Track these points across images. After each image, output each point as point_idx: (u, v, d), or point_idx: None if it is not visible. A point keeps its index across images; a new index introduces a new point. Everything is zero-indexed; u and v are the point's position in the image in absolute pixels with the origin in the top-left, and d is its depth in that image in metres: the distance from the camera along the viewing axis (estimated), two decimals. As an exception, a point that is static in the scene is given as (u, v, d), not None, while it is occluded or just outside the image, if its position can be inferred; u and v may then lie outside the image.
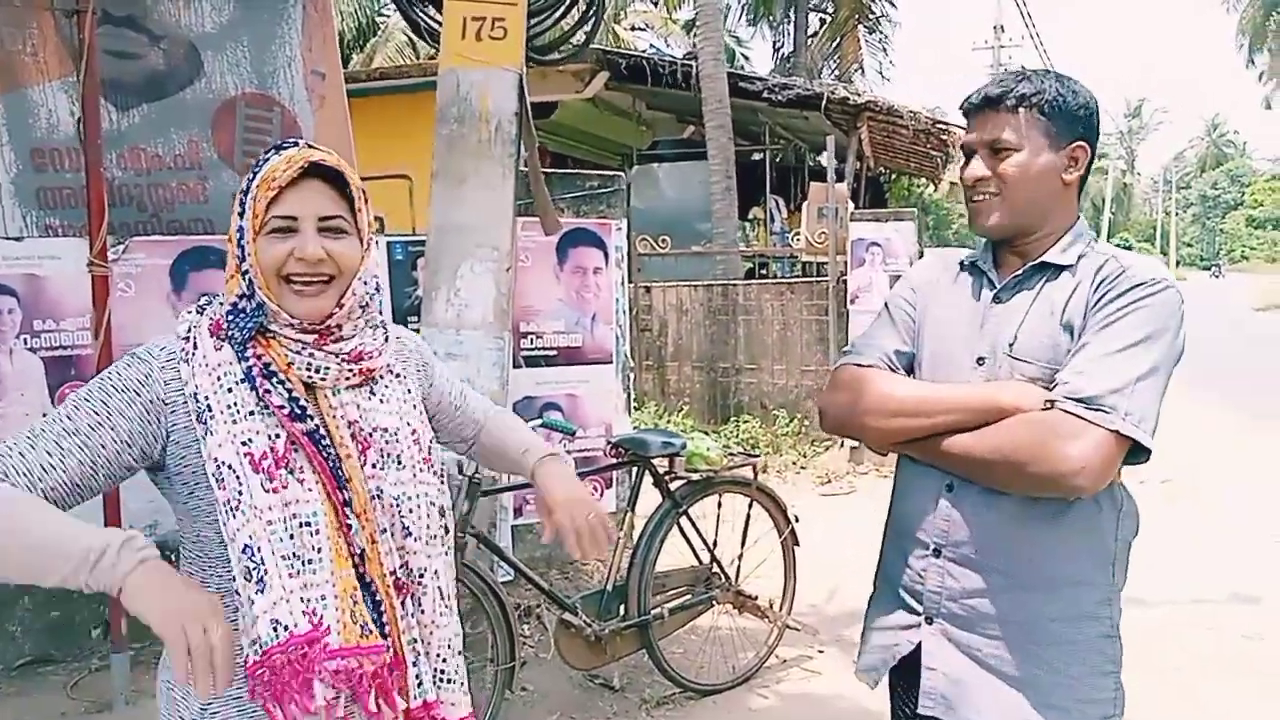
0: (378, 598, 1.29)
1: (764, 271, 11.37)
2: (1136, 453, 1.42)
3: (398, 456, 1.35)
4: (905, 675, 1.66)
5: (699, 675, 3.74)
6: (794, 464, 7.79)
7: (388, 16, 20.26)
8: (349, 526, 1.28)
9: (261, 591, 1.18)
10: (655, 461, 3.51)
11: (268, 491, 1.21)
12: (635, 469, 3.50)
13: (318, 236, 1.28)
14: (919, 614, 1.60)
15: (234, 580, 1.20)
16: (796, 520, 3.91)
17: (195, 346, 1.27)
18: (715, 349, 8.58)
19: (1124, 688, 1.55)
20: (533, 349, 4.25)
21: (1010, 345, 1.53)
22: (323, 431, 1.28)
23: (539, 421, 3.27)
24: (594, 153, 12.84)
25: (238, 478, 1.21)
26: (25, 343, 3.32)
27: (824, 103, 9.62)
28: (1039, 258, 1.58)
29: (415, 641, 1.32)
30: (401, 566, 1.33)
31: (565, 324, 4.30)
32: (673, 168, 11.48)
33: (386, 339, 1.42)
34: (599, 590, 3.46)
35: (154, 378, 1.25)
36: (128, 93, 3.76)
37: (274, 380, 1.27)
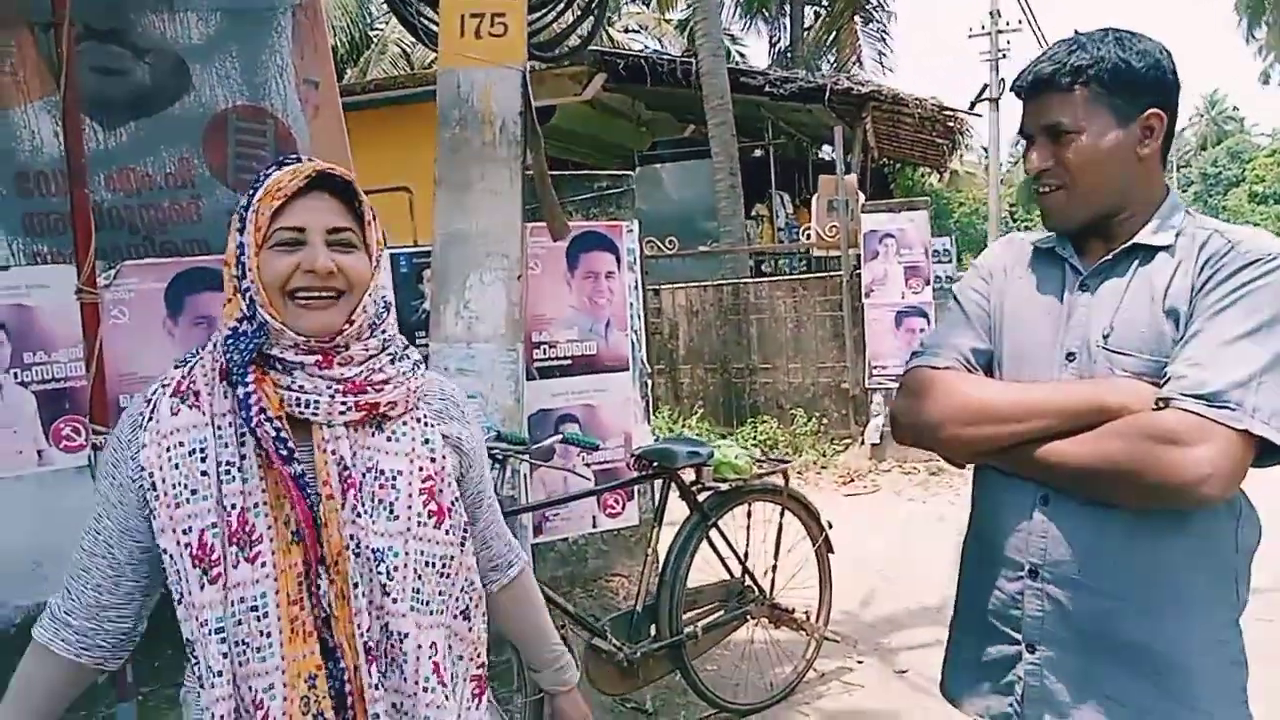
0: (342, 665, 1.16)
1: (765, 269, 11.19)
2: (1269, 454, 1.23)
3: (390, 504, 1.20)
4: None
5: (735, 695, 3.57)
6: (814, 464, 7.61)
7: (381, 29, 20.14)
8: (317, 586, 1.16)
9: (206, 687, 1.13)
10: (682, 472, 3.33)
11: (204, 587, 1.13)
12: (661, 481, 3.33)
13: (327, 249, 1.18)
14: (1018, 642, 1.42)
15: None
16: (830, 526, 3.74)
17: (154, 410, 1.19)
18: (728, 350, 8.40)
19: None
20: (546, 359, 4.07)
21: (1105, 337, 1.35)
22: (310, 476, 1.17)
23: (559, 438, 3.09)
24: (593, 156, 12.67)
25: (178, 571, 1.14)
26: (15, 377, 3.16)
27: (827, 94, 9.44)
28: (1129, 240, 1.39)
29: (394, 709, 1.19)
30: (381, 628, 1.18)
31: (579, 332, 4.12)
32: (675, 168, 11.30)
33: (412, 372, 1.26)
34: (629, 611, 3.29)
35: (123, 453, 1.20)
36: (114, 110, 3.59)
37: (264, 417, 1.15)
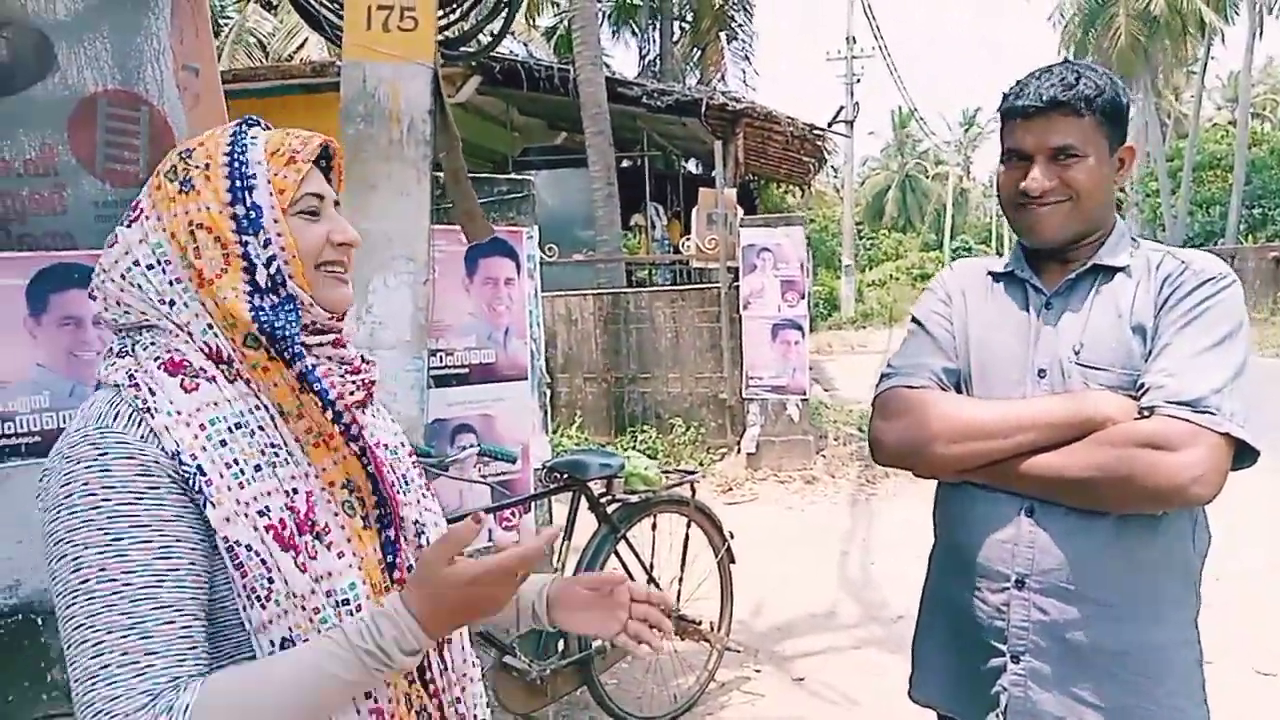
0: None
1: (636, 280, 11.24)
2: (1238, 458, 1.31)
3: (404, 475, 1.15)
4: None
5: (640, 708, 3.53)
6: (692, 473, 7.67)
7: (232, 17, 19.20)
8: (392, 572, 1.08)
9: None
10: (591, 484, 3.28)
11: (303, 571, 0.97)
12: (572, 493, 3.26)
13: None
14: (1002, 654, 1.44)
15: None
16: (732, 537, 3.77)
17: (150, 393, 0.96)
18: (607, 359, 8.38)
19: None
20: (443, 367, 3.93)
21: (1076, 352, 1.41)
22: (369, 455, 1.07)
23: (475, 450, 2.98)
24: (466, 161, 12.41)
25: (262, 561, 0.95)
26: None
27: (704, 109, 9.58)
28: (1089, 261, 1.47)
29: (457, 701, 1.12)
30: None
31: (477, 339, 3.99)
32: (550, 175, 11.22)
33: None
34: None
35: (141, 450, 0.94)
36: (-36, 88, 3.24)
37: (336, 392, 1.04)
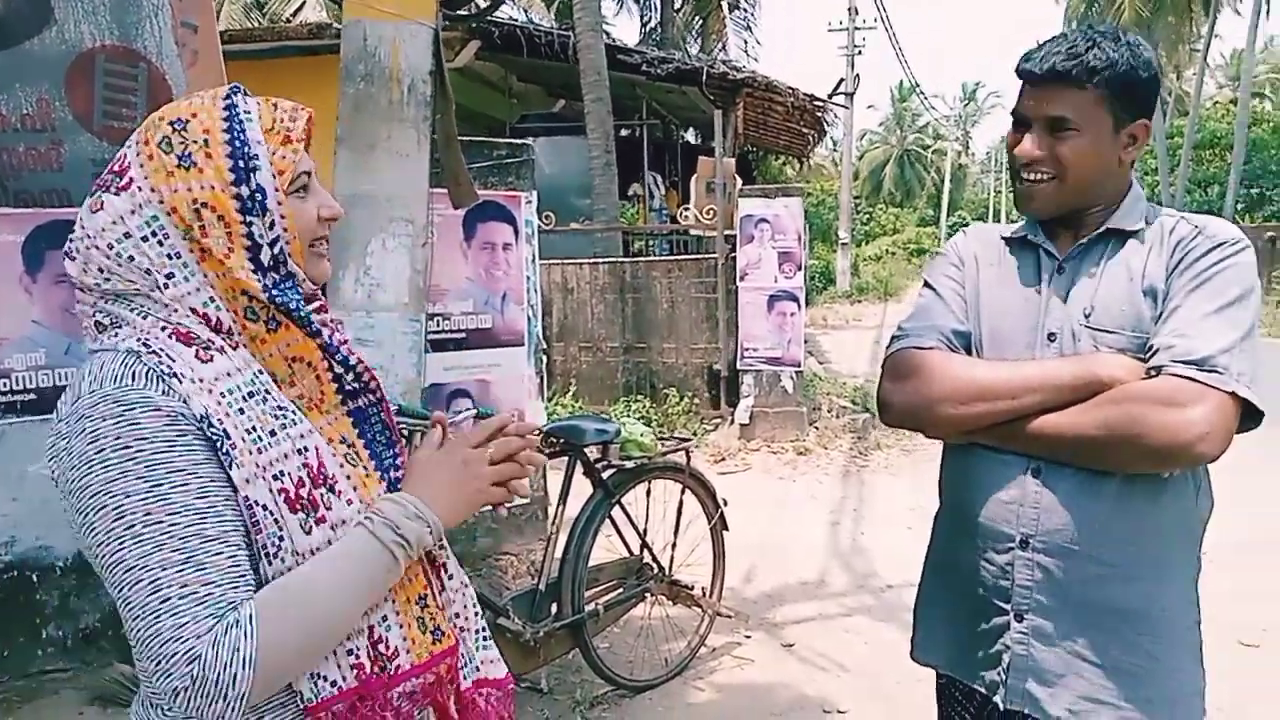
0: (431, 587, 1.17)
1: (633, 249, 11.21)
2: (1246, 418, 1.32)
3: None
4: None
5: (632, 671, 3.57)
6: (686, 443, 7.70)
7: (228, -23, 18.94)
8: None
9: None
10: (586, 449, 3.30)
11: (308, 532, 1.03)
12: (567, 458, 3.28)
13: None
14: (1006, 613, 1.47)
15: None
16: (726, 504, 3.79)
17: (171, 360, 0.98)
18: (603, 328, 8.38)
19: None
20: (440, 331, 3.94)
21: (1087, 316, 1.43)
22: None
23: (473, 413, 2.99)
24: (461, 127, 12.32)
25: (275, 520, 1.01)
26: None
27: (704, 77, 9.51)
28: (1101, 227, 1.48)
29: (456, 616, 1.21)
30: None
31: (474, 304, 4.01)
32: (548, 142, 11.13)
33: None
34: (530, 590, 3.23)
35: (168, 404, 0.97)
36: (-40, 40, 3.22)
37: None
